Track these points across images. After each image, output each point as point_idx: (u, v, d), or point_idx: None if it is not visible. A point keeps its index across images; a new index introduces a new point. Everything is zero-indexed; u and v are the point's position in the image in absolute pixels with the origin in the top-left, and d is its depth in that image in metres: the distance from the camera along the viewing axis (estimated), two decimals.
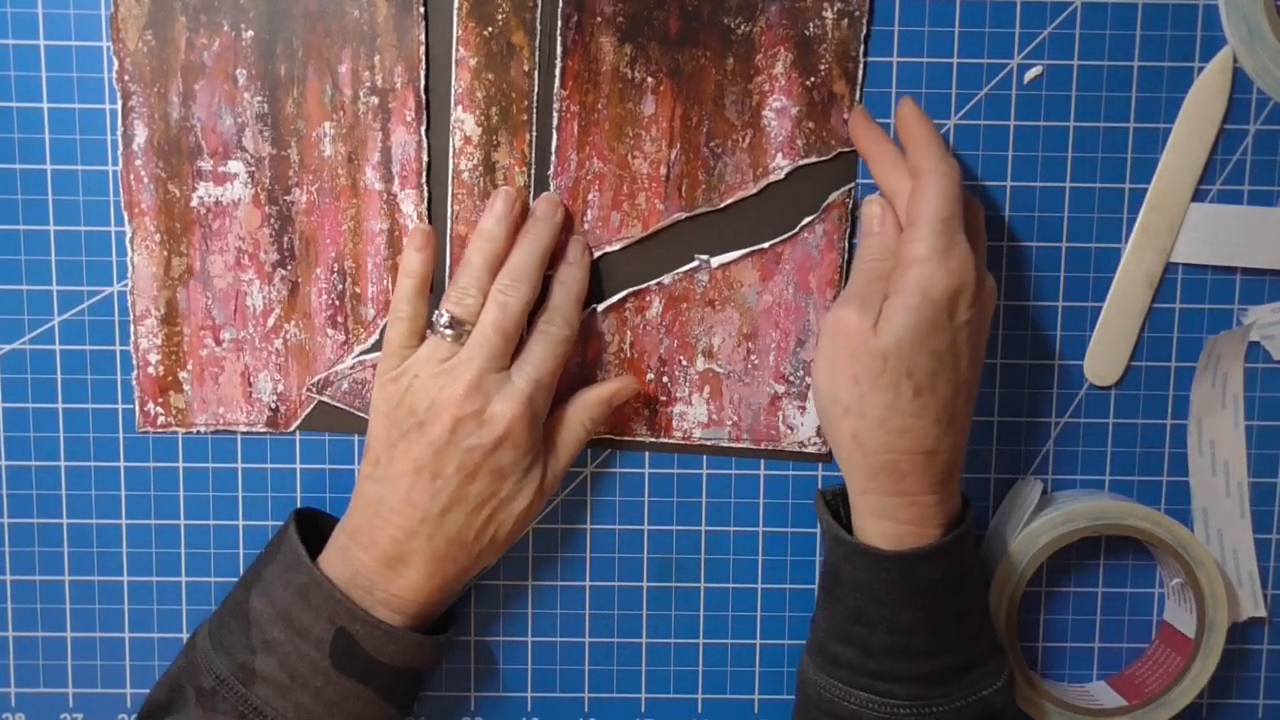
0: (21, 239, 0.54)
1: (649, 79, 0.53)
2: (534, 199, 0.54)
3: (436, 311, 0.51)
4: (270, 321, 0.54)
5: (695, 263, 0.55)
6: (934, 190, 0.48)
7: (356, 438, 0.55)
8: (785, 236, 0.54)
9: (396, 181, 0.54)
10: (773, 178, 0.54)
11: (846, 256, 0.54)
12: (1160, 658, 0.56)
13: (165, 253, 0.54)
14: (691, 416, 0.55)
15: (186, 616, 0.56)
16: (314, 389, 0.55)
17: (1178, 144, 0.54)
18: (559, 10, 0.52)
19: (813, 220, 0.54)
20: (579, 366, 0.55)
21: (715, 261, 0.55)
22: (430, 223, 0.54)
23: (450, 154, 0.54)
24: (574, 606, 0.57)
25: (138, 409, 0.55)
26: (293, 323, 0.54)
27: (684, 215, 0.54)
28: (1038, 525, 0.54)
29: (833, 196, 0.54)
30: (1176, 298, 0.55)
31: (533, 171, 0.54)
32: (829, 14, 0.53)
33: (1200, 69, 0.54)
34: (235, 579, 0.54)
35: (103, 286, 0.54)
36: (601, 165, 0.54)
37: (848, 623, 0.49)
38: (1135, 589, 0.57)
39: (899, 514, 0.49)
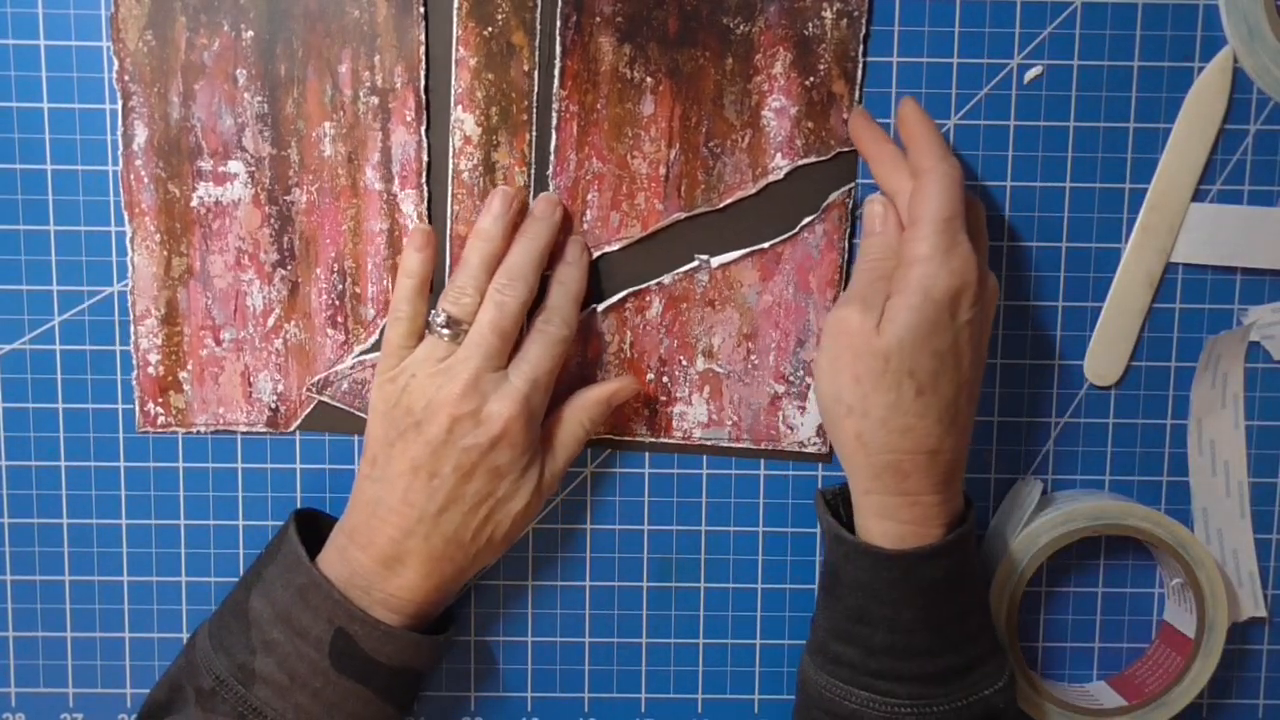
0: (21, 239, 0.54)
1: (648, 79, 0.53)
2: (533, 199, 0.54)
3: (433, 311, 0.51)
4: (270, 321, 0.54)
5: (695, 263, 0.55)
6: (935, 190, 0.48)
7: (356, 438, 0.55)
8: (785, 236, 0.54)
9: (396, 181, 0.54)
10: (772, 178, 0.54)
11: (846, 256, 0.54)
12: (1160, 658, 0.56)
13: (165, 253, 0.54)
14: (691, 416, 0.55)
15: (186, 616, 0.56)
16: (314, 389, 0.55)
17: (1178, 144, 0.54)
18: (558, 10, 0.52)
19: (813, 220, 0.54)
20: (579, 366, 0.55)
21: (715, 261, 0.55)
22: (430, 223, 0.54)
23: (450, 154, 0.54)
24: (574, 606, 0.57)
25: (138, 409, 0.55)
26: (293, 323, 0.54)
27: (683, 215, 0.54)
28: (1038, 525, 0.54)
29: (832, 196, 0.54)
30: (1176, 298, 0.55)
31: (532, 171, 0.54)
32: (828, 14, 0.53)
33: (1200, 69, 0.54)
34: (235, 579, 0.54)
35: (103, 286, 0.54)
36: (601, 165, 0.54)
37: (849, 622, 0.49)
38: (1135, 589, 0.57)
39: (901, 514, 0.49)
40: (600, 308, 0.55)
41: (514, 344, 0.51)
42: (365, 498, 0.50)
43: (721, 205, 0.54)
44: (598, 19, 0.53)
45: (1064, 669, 0.58)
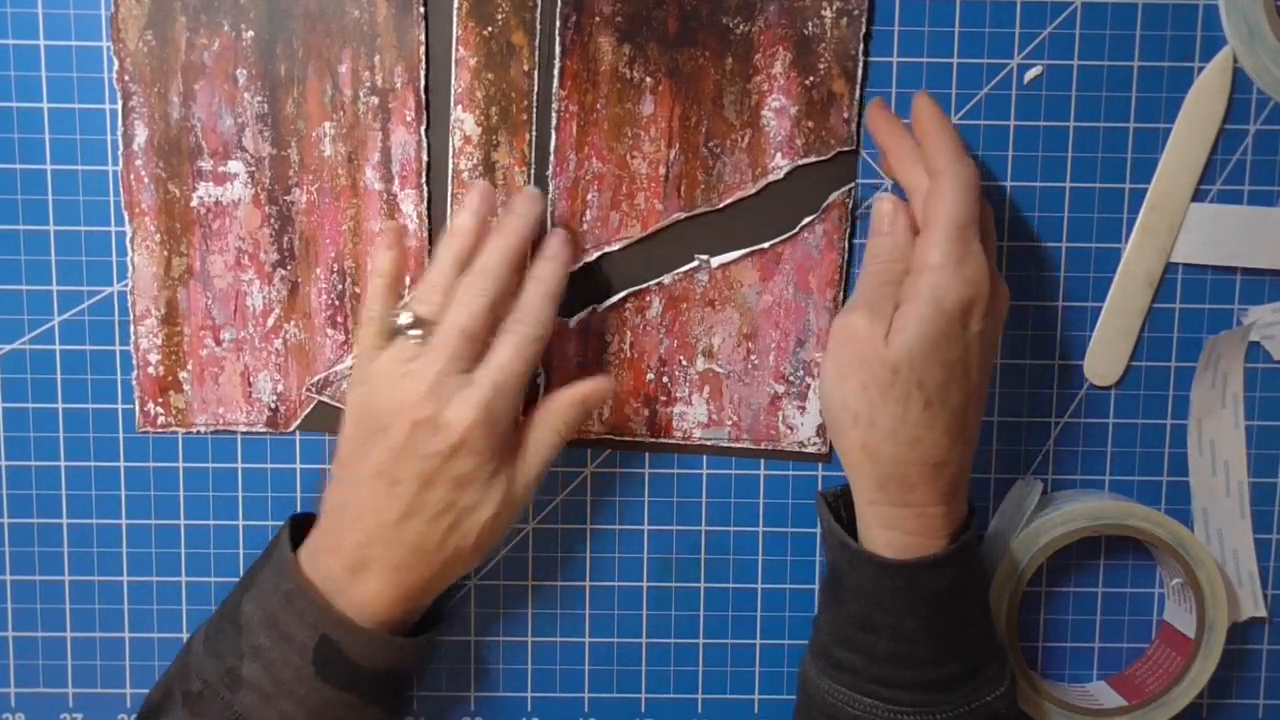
0: (21, 239, 0.54)
1: (648, 79, 0.53)
2: None
3: (401, 311, 0.49)
4: (270, 321, 0.54)
5: (695, 263, 0.55)
6: (950, 193, 0.47)
7: None
8: (785, 236, 0.54)
9: (396, 181, 0.54)
10: (772, 177, 0.54)
11: (846, 256, 0.54)
12: (1160, 658, 0.56)
13: (165, 253, 0.54)
14: (691, 416, 0.55)
15: (186, 617, 0.56)
16: (314, 389, 0.55)
17: (1178, 144, 0.54)
18: (558, 10, 0.52)
19: (813, 220, 0.54)
20: (579, 367, 0.55)
21: (715, 261, 0.55)
22: (430, 223, 0.54)
23: (450, 154, 0.54)
24: (574, 606, 0.57)
25: (138, 409, 0.55)
26: (292, 323, 0.54)
27: (683, 215, 0.54)
28: (1038, 525, 0.54)
29: (833, 196, 0.54)
30: (1176, 298, 0.55)
31: (532, 171, 0.54)
32: (828, 13, 0.53)
33: (1200, 69, 0.54)
34: (235, 579, 0.54)
35: (103, 286, 0.54)
36: (600, 165, 0.54)
37: (852, 629, 0.49)
38: (1135, 589, 0.57)
39: (906, 524, 0.48)
40: (600, 308, 0.55)
41: (485, 345, 0.49)
42: (334, 501, 0.49)
43: (721, 205, 0.54)
44: (597, 19, 0.53)
45: (1064, 669, 0.58)
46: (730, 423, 0.56)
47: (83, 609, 0.56)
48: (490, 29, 0.53)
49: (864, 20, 0.53)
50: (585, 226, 0.54)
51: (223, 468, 0.55)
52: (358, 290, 0.54)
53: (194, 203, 0.53)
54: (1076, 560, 0.57)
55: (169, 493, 0.55)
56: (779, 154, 0.54)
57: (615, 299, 0.55)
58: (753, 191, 0.54)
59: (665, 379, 0.55)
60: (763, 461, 0.56)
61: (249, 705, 0.47)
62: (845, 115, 0.53)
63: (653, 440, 0.56)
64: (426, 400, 0.47)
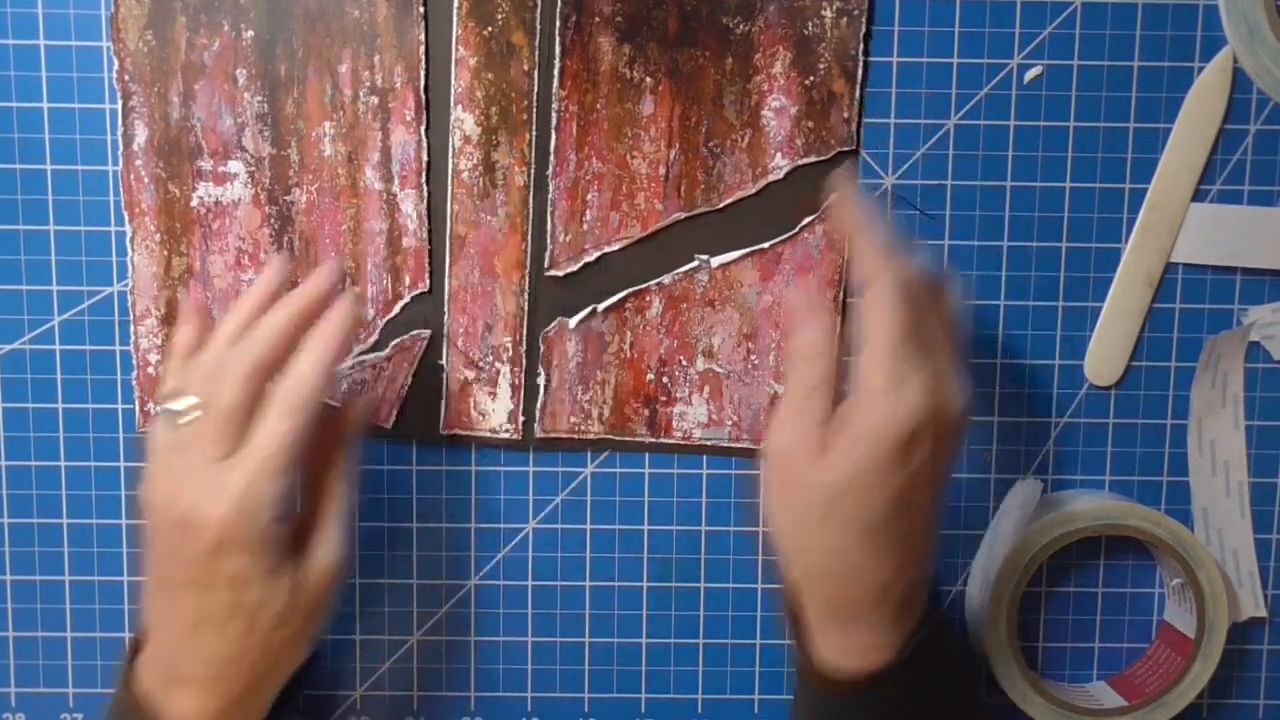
0: (21, 239, 0.54)
1: (648, 79, 0.53)
2: (533, 198, 0.54)
3: (167, 397, 0.45)
4: None
5: (695, 263, 0.55)
6: (885, 305, 0.43)
7: None
8: (785, 236, 0.54)
9: (396, 181, 0.54)
10: (772, 178, 0.54)
11: (846, 256, 0.54)
12: (1160, 658, 0.56)
13: (165, 253, 0.54)
14: (691, 416, 0.55)
15: None
16: None
17: (1178, 144, 0.54)
18: (558, 10, 0.52)
19: (813, 220, 0.54)
20: (579, 367, 0.55)
21: (715, 261, 0.55)
22: (430, 222, 0.54)
23: (450, 154, 0.54)
24: (574, 606, 0.57)
25: (138, 409, 0.55)
26: None
27: (683, 215, 0.54)
28: (1038, 525, 0.54)
29: (833, 197, 0.54)
30: (1176, 298, 0.55)
31: (532, 171, 0.54)
32: (828, 13, 0.53)
33: (1200, 69, 0.54)
34: None
35: (103, 286, 0.54)
36: (600, 165, 0.54)
37: None
38: (1135, 589, 0.57)
39: (854, 640, 0.45)
40: (600, 308, 0.55)
41: (248, 423, 0.44)
42: (143, 609, 0.46)
43: (721, 205, 0.54)
44: (597, 19, 0.53)
45: (1064, 669, 0.58)
46: (730, 423, 0.56)
47: (83, 609, 0.56)
48: (490, 29, 0.53)
49: (864, 20, 0.53)
50: (585, 226, 0.54)
51: None
52: (358, 290, 0.54)
53: (194, 203, 0.53)
54: (1076, 560, 0.57)
55: None
56: (779, 154, 0.54)
57: (615, 299, 0.55)
58: (753, 191, 0.54)
59: (665, 379, 0.55)
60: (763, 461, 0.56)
61: None
62: (845, 115, 0.53)
63: (653, 440, 0.56)
64: (181, 496, 0.43)
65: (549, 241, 0.54)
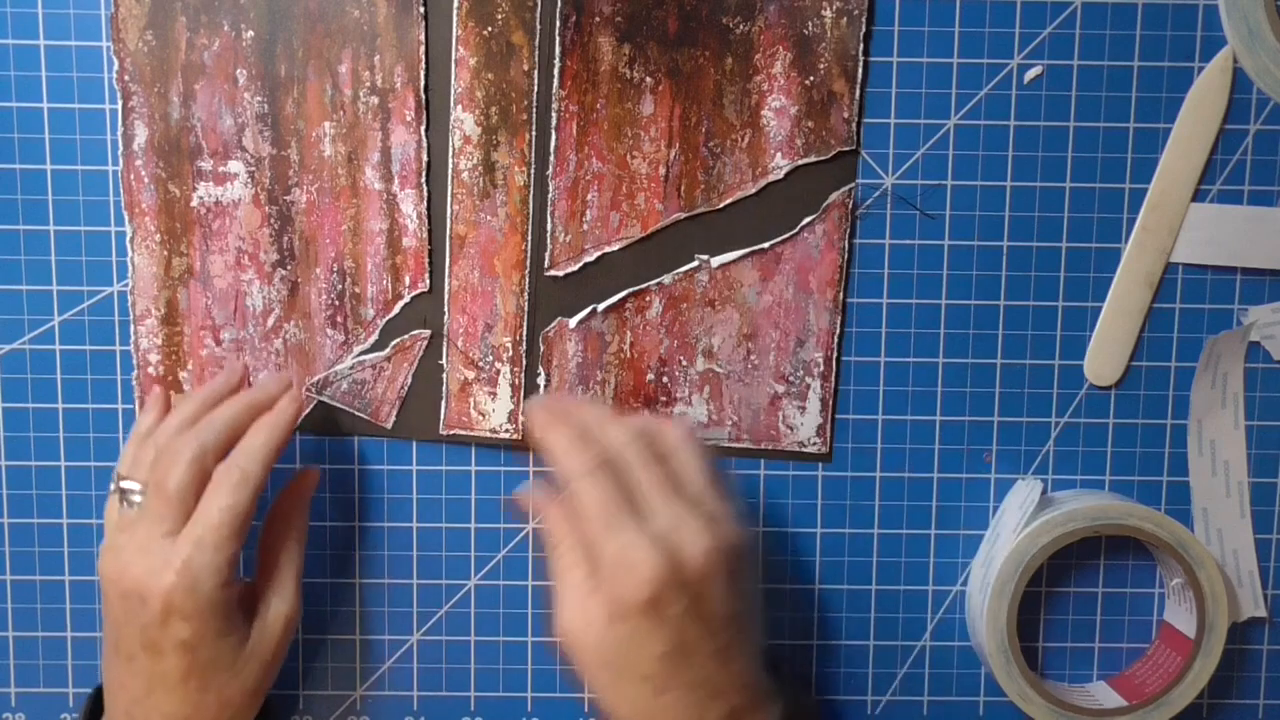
0: (21, 239, 0.54)
1: (648, 79, 0.53)
2: (533, 198, 0.54)
3: (117, 478, 0.49)
4: (270, 321, 0.54)
5: (695, 263, 0.55)
6: (579, 493, 0.45)
7: (356, 438, 0.55)
8: (785, 236, 0.54)
9: (396, 181, 0.54)
10: (772, 177, 0.54)
11: (846, 256, 0.55)
12: (1160, 658, 0.56)
13: (165, 253, 0.54)
14: (691, 416, 0.55)
15: None
16: (313, 389, 0.55)
17: (1178, 144, 0.54)
18: (558, 10, 0.52)
19: (813, 220, 0.54)
20: (579, 367, 0.55)
21: (715, 261, 0.55)
22: (430, 222, 0.54)
23: (450, 154, 0.54)
24: None
25: (137, 409, 0.55)
26: (292, 323, 0.54)
27: (683, 215, 0.54)
28: (1038, 525, 0.54)
29: (833, 196, 0.54)
30: (1176, 298, 0.55)
31: (532, 171, 0.54)
32: (828, 13, 0.53)
33: (1200, 69, 0.54)
34: None
35: (103, 286, 0.54)
36: (600, 165, 0.54)
37: None
38: (1135, 589, 0.57)
39: None
40: (600, 308, 0.55)
41: (194, 503, 0.47)
42: (103, 674, 0.49)
43: (721, 205, 0.54)
44: (597, 19, 0.53)
45: (1064, 669, 0.58)
46: (730, 423, 0.56)
47: (82, 609, 0.56)
48: (490, 29, 0.53)
49: (864, 20, 0.53)
50: (585, 226, 0.54)
51: None
52: (357, 290, 0.54)
53: (194, 203, 0.53)
54: (1076, 560, 0.57)
55: None
56: (779, 154, 0.54)
57: (615, 299, 0.55)
58: (753, 191, 0.54)
59: (665, 379, 0.55)
60: (763, 461, 0.56)
61: None
62: (845, 115, 0.53)
63: None
64: (130, 569, 0.46)
65: (549, 241, 0.54)
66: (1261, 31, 0.53)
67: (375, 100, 0.53)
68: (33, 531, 0.56)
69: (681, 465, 0.47)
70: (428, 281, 0.54)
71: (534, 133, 0.53)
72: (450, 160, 0.54)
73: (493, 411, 0.55)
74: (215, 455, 0.48)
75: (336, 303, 0.54)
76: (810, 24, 0.53)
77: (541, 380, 0.55)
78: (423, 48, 0.53)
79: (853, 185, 0.54)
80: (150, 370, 0.54)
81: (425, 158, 0.53)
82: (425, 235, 0.54)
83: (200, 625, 0.46)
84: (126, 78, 0.53)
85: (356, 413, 0.55)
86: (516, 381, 0.55)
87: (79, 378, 0.55)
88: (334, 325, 0.54)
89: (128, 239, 0.54)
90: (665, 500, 0.45)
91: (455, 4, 0.53)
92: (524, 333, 0.55)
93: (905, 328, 0.55)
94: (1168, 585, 0.57)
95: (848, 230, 0.54)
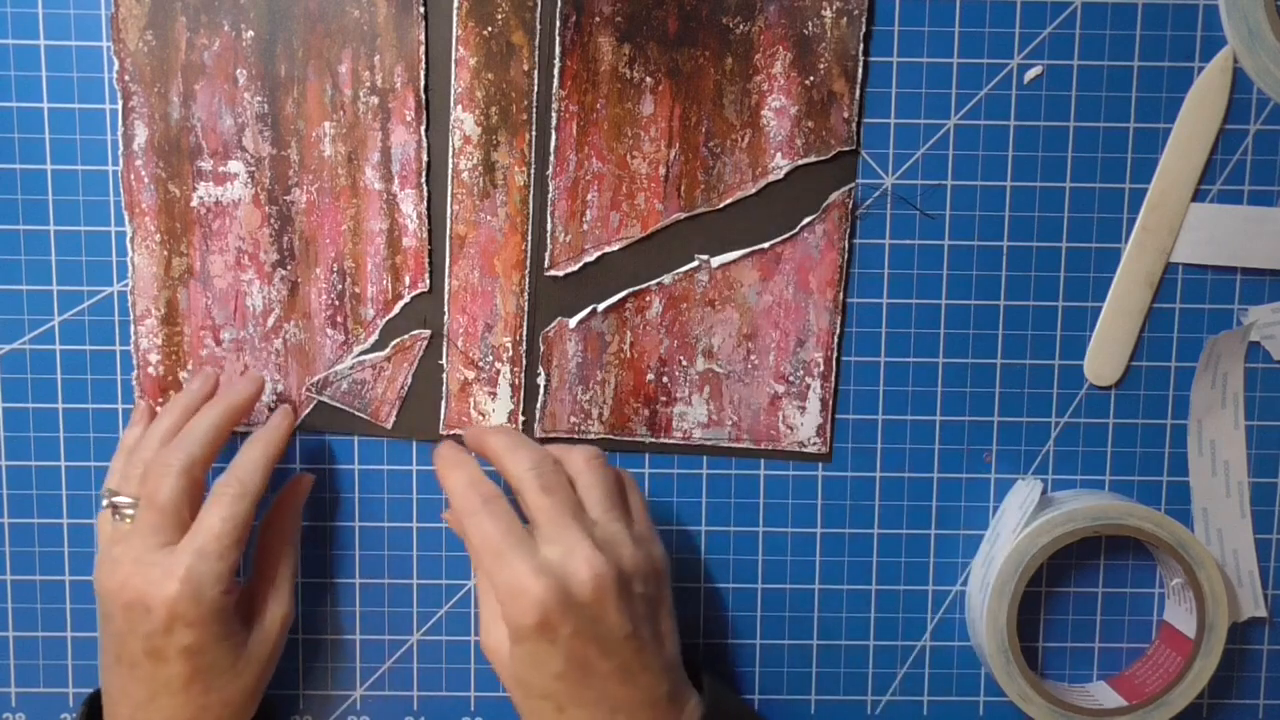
0: (21, 239, 0.54)
1: (648, 79, 0.53)
2: (533, 198, 0.54)
3: (108, 493, 0.50)
4: (270, 321, 0.54)
5: (695, 263, 0.55)
6: (469, 524, 0.47)
7: (356, 438, 0.55)
8: (785, 236, 0.54)
9: (396, 181, 0.54)
10: (772, 178, 0.54)
11: (846, 256, 0.55)
12: (1160, 658, 0.56)
13: (165, 253, 0.54)
14: (691, 416, 0.55)
15: None
16: (313, 389, 0.55)
17: (1178, 144, 0.54)
18: (558, 10, 0.52)
19: (813, 220, 0.54)
20: (579, 367, 0.55)
21: (715, 261, 0.55)
22: (430, 222, 0.54)
23: (450, 154, 0.54)
24: None
25: (137, 409, 0.55)
26: (292, 323, 0.54)
27: (683, 215, 0.54)
28: (1038, 525, 0.54)
29: (833, 196, 0.54)
30: (1176, 298, 0.55)
31: (532, 171, 0.54)
32: (828, 13, 0.53)
33: (1200, 69, 0.54)
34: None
35: (103, 286, 0.54)
36: (600, 165, 0.54)
37: None
38: (1135, 589, 0.57)
39: None
40: (600, 308, 0.55)
41: (188, 514, 0.49)
42: (102, 684, 0.50)
43: (721, 205, 0.54)
44: (597, 19, 0.53)
45: (1064, 669, 0.58)
46: (730, 423, 0.56)
47: (82, 609, 0.56)
48: (490, 29, 0.53)
49: (864, 20, 0.53)
50: (585, 226, 0.54)
51: (222, 468, 0.55)
52: (357, 290, 0.54)
53: (194, 203, 0.53)
54: (1076, 560, 0.57)
55: None
56: (779, 154, 0.54)
57: (615, 299, 0.55)
58: (753, 191, 0.54)
59: (665, 379, 0.55)
60: (763, 461, 0.56)
61: None
62: (845, 115, 0.53)
63: (653, 440, 0.56)
64: (131, 581, 0.47)
65: (549, 241, 0.54)
66: (1261, 31, 0.53)
67: (375, 100, 0.53)
68: (33, 531, 0.56)
69: (585, 489, 0.49)
70: (428, 281, 0.54)
71: (534, 133, 0.53)
72: (450, 160, 0.54)
73: (493, 412, 0.55)
74: (203, 464, 0.49)
75: (336, 303, 0.54)
76: (810, 24, 0.53)
77: (541, 380, 0.55)
78: (423, 48, 0.53)
79: (853, 185, 0.54)
80: (150, 370, 0.54)
81: (425, 158, 0.53)
82: (425, 235, 0.54)
83: (203, 631, 0.47)
84: (126, 78, 0.53)
85: (356, 413, 0.55)
86: (516, 381, 0.55)
87: (79, 378, 0.55)
88: (334, 325, 0.54)
89: (128, 239, 0.54)
90: (563, 525, 0.47)
91: (455, 4, 0.53)
92: (524, 333, 0.55)
93: (905, 328, 0.55)
94: (1168, 585, 0.57)
95: (848, 230, 0.54)
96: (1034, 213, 0.55)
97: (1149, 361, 0.56)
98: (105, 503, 0.50)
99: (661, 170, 0.54)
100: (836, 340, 0.55)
